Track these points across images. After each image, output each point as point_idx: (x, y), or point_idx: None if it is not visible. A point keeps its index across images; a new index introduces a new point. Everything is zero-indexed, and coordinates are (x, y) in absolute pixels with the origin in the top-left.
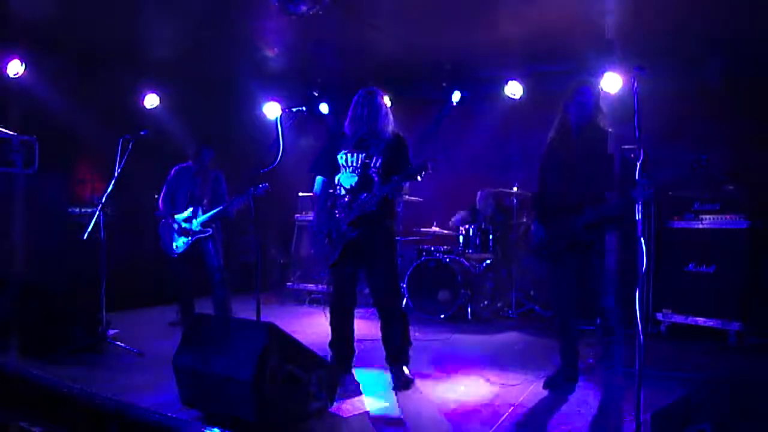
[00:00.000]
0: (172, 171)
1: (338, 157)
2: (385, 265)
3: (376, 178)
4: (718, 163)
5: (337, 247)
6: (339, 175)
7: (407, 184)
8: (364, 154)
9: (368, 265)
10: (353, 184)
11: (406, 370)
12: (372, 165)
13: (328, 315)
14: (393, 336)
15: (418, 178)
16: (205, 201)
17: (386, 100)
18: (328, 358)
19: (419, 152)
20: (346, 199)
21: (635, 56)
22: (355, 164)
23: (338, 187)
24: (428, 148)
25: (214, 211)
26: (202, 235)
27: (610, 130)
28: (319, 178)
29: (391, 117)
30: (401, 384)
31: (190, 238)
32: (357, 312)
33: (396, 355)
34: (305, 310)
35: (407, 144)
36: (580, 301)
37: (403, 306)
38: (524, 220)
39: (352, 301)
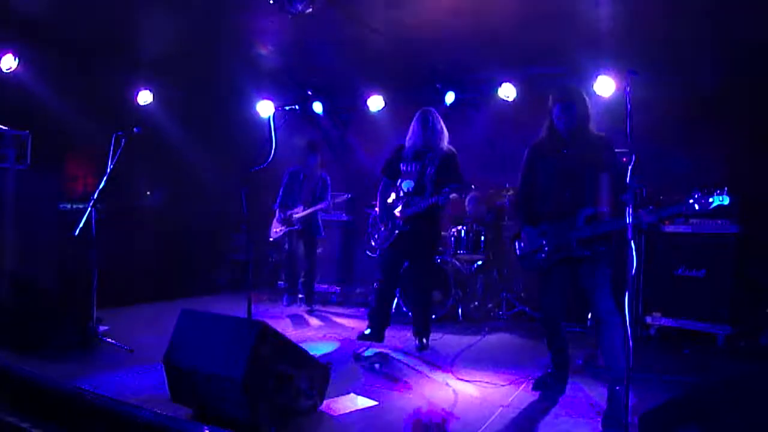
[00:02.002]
0: (285, 174)
1: (400, 165)
2: (426, 253)
3: (428, 185)
4: (709, 169)
5: (392, 234)
6: (400, 179)
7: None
8: (420, 164)
9: (414, 251)
10: (410, 188)
11: (425, 340)
12: (426, 174)
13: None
14: (421, 313)
15: (463, 194)
16: (309, 199)
17: (441, 118)
18: (367, 331)
19: None
20: (403, 200)
21: (628, 60)
22: (412, 172)
23: (399, 190)
24: None
25: (309, 209)
26: (292, 228)
27: (597, 131)
28: (384, 181)
29: (445, 134)
30: (422, 347)
31: (285, 228)
32: (357, 311)
33: (421, 329)
34: (296, 309)
35: (456, 159)
36: (570, 304)
37: (394, 307)
38: (511, 223)
39: (395, 279)
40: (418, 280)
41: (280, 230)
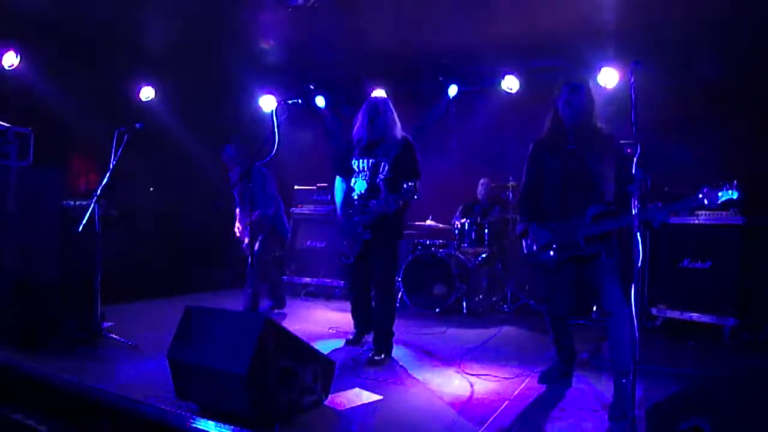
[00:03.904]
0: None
1: (352, 161)
2: (387, 256)
3: (382, 187)
4: (714, 159)
5: (356, 244)
6: (353, 178)
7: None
8: (373, 161)
9: (374, 255)
10: (363, 191)
11: (382, 355)
12: (380, 172)
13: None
14: (382, 322)
15: (415, 196)
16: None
17: (392, 107)
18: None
19: (416, 147)
20: (358, 203)
21: (631, 52)
22: (365, 170)
23: (352, 191)
24: (425, 142)
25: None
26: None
27: (601, 125)
28: (338, 179)
29: (398, 123)
30: (372, 362)
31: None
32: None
33: (379, 342)
34: (300, 303)
35: (415, 148)
36: (575, 297)
37: (398, 301)
38: (518, 220)
39: (368, 287)
40: (380, 288)
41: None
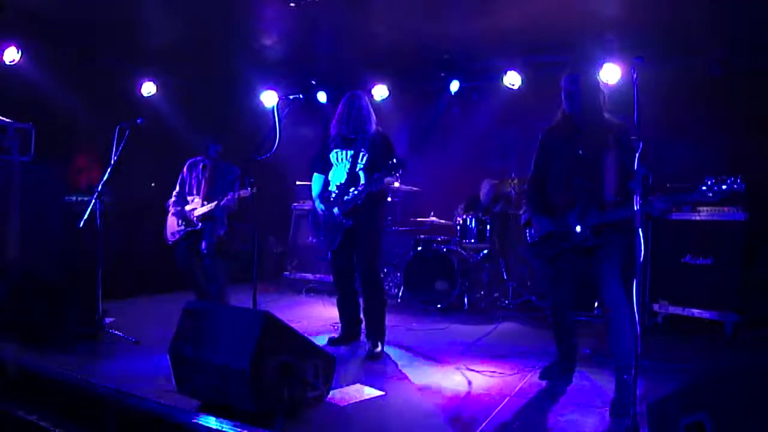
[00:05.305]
0: (185, 165)
1: (330, 155)
2: (370, 244)
3: (362, 174)
4: (717, 156)
5: (336, 235)
6: (331, 171)
7: (397, 177)
8: (352, 152)
9: (357, 244)
10: (342, 181)
11: (379, 346)
12: (359, 161)
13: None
14: (372, 311)
15: (397, 175)
16: (211, 194)
17: (368, 101)
18: (337, 333)
19: (418, 143)
20: (337, 193)
21: (634, 47)
22: (343, 160)
23: (328, 184)
24: (427, 138)
25: (208, 207)
26: (191, 228)
27: (607, 116)
28: (315, 176)
29: (373, 116)
30: (372, 356)
31: (184, 227)
32: None
33: (373, 332)
34: (302, 300)
35: (390, 140)
36: (577, 293)
37: (400, 297)
38: (522, 210)
39: (352, 277)
40: (365, 276)
41: (181, 230)
